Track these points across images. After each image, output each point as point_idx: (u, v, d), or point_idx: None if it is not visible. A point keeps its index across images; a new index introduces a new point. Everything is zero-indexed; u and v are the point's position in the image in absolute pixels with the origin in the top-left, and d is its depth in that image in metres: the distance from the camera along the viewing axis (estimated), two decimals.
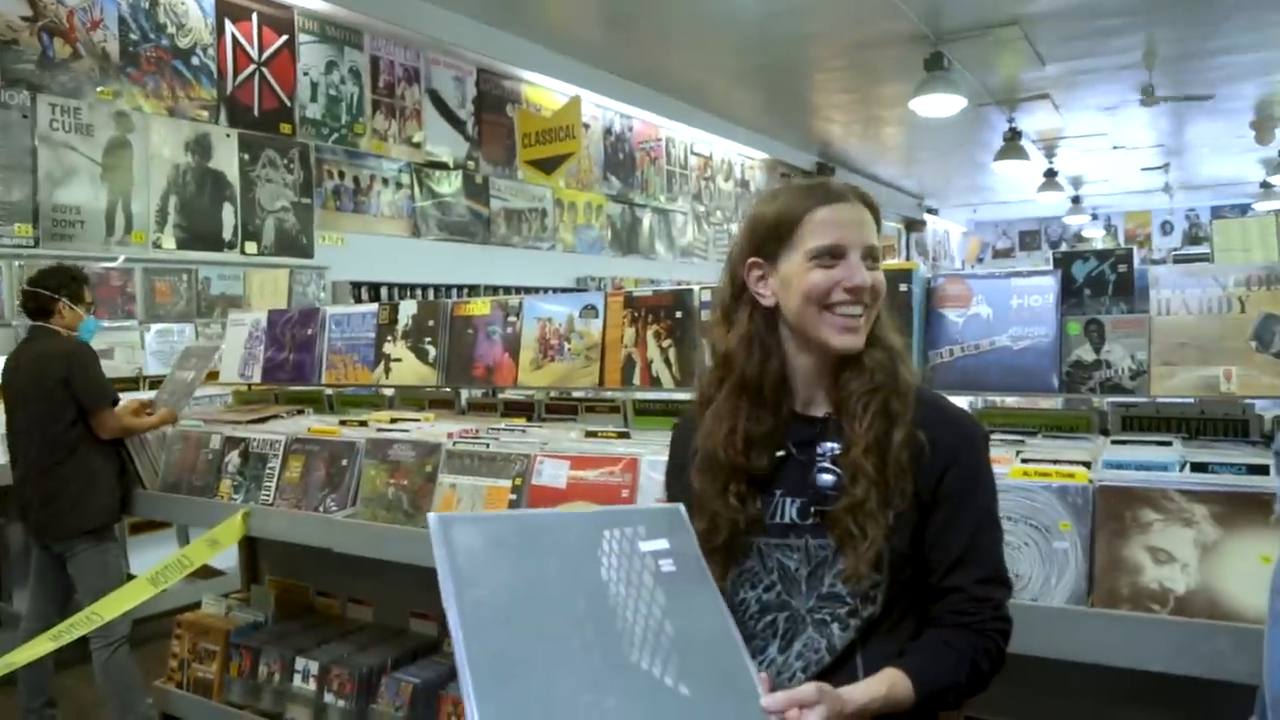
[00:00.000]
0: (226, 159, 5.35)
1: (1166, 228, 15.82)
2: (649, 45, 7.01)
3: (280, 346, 3.19)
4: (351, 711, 2.52)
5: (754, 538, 1.33)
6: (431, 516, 1.11)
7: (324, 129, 5.87)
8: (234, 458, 2.76)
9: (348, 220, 6.01)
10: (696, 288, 2.34)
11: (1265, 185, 12.41)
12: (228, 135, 5.35)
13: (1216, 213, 14.15)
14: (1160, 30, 6.82)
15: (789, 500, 1.32)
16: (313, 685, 2.59)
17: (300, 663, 2.63)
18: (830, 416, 1.33)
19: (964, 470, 1.30)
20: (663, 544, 1.20)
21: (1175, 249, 14.97)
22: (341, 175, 5.97)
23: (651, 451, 2.01)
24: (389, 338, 2.91)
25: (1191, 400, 1.93)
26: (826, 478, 1.30)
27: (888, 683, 1.21)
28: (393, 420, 2.74)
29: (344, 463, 2.50)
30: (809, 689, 1.13)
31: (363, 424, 2.72)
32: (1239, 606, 1.42)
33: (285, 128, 5.65)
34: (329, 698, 2.56)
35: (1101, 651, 1.47)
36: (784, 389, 1.35)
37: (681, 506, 1.27)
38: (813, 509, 1.30)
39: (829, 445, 1.31)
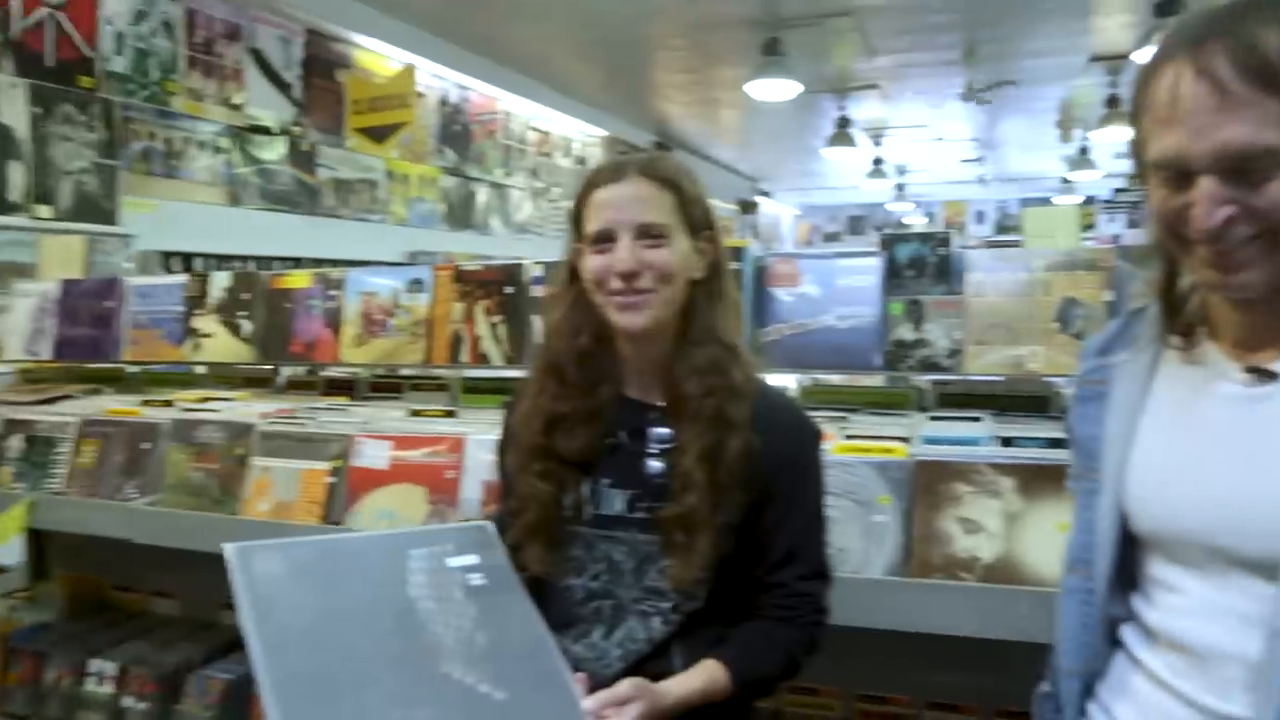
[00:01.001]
0: (13, 111, 4.86)
1: (980, 217, 16.83)
2: (488, 14, 6.84)
3: (74, 320, 2.93)
4: (153, 713, 2.35)
5: (580, 528, 1.31)
6: (228, 547, 1.06)
7: (131, 85, 5.43)
8: (16, 442, 2.51)
9: (159, 185, 5.58)
10: (528, 262, 2.28)
11: (1066, 181, 13.36)
12: (14, 85, 4.86)
13: (1024, 204, 15.14)
14: (980, 31, 7.19)
15: (617, 492, 1.30)
16: (109, 688, 2.39)
17: (95, 664, 2.42)
18: (664, 405, 1.31)
19: (796, 472, 1.30)
20: (472, 559, 1.19)
21: (987, 237, 15.94)
22: (152, 136, 5.54)
23: (479, 431, 1.95)
24: (198, 311, 2.72)
25: (1001, 378, 2.02)
26: (655, 464, 1.28)
27: (706, 677, 1.21)
28: (202, 400, 2.57)
29: (145, 446, 2.32)
30: (626, 687, 1.12)
31: (168, 404, 2.53)
32: (1039, 573, 1.50)
33: (85, 81, 5.18)
34: (128, 700, 2.37)
35: (917, 619, 1.52)
36: (595, 371, 1.32)
37: (490, 523, 1.25)
38: (641, 503, 1.28)
39: (660, 432, 1.29)
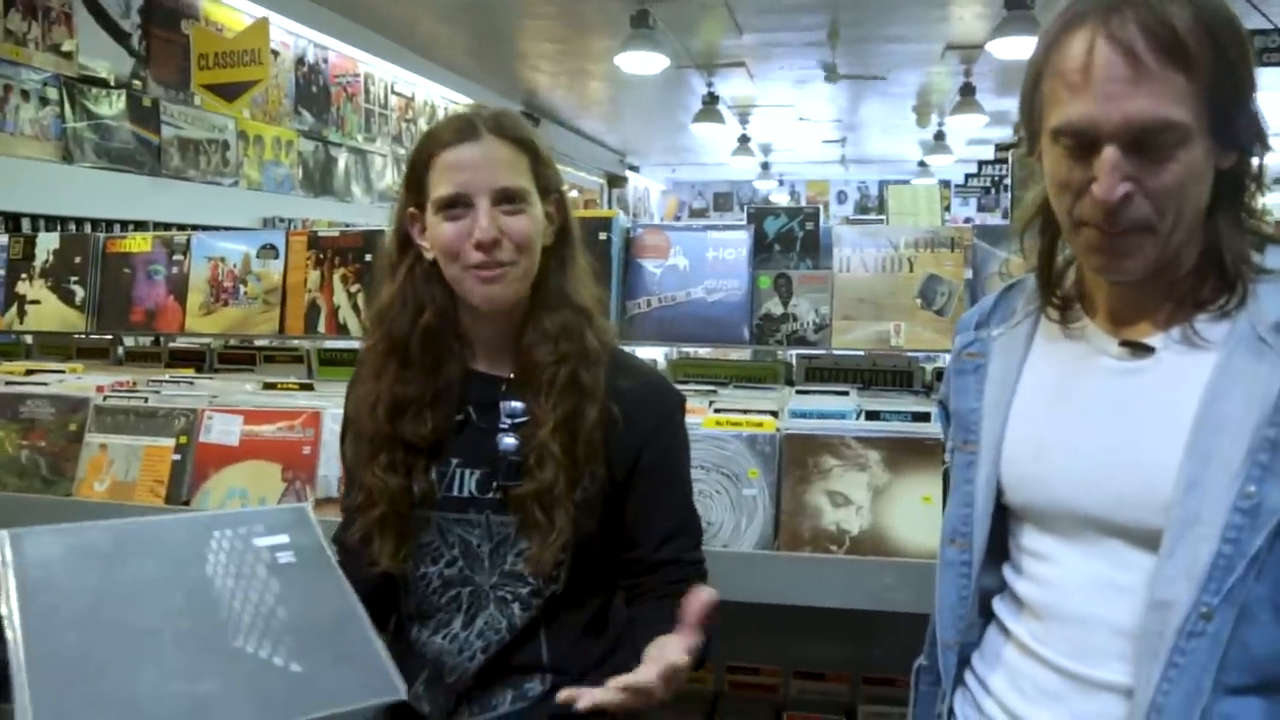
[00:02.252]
0: None
1: (841, 197, 17.34)
2: None
3: None
4: None
5: (430, 512, 1.23)
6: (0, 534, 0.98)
7: None
8: None
9: None
10: (389, 229, 2.18)
11: (922, 164, 13.90)
12: None
13: (884, 186, 15.68)
14: (843, 13, 7.35)
15: (467, 471, 1.22)
16: None
17: None
18: (515, 377, 1.24)
19: (662, 446, 1.26)
20: (282, 539, 1.11)
21: (848, 216, 16.44)
22: None
23: (336, 404, 1.85)
24: (23, 275, 2.51)
25: (862, 353, 2.06)
26: (509, 442, 1.21)
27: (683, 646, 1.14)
28: (28, 372, 2.37)
29: None
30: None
31: None
32: (903, 544, 1.53)
33: None
34: None
35: (786, 592, 1.54)
36: (441, 348, 1.23)
37: (308, 506, 1.17)
38: (494, 483, 1.21)
39: (513, 406, 1.22)
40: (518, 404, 1.22)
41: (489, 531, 1.22)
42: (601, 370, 1.22)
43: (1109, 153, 0.87)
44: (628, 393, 1.24)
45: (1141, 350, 0.96)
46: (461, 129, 1.18)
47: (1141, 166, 0.87)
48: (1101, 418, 0.97)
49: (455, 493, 1.23)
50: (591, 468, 1.21)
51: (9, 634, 0.90)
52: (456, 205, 1.17)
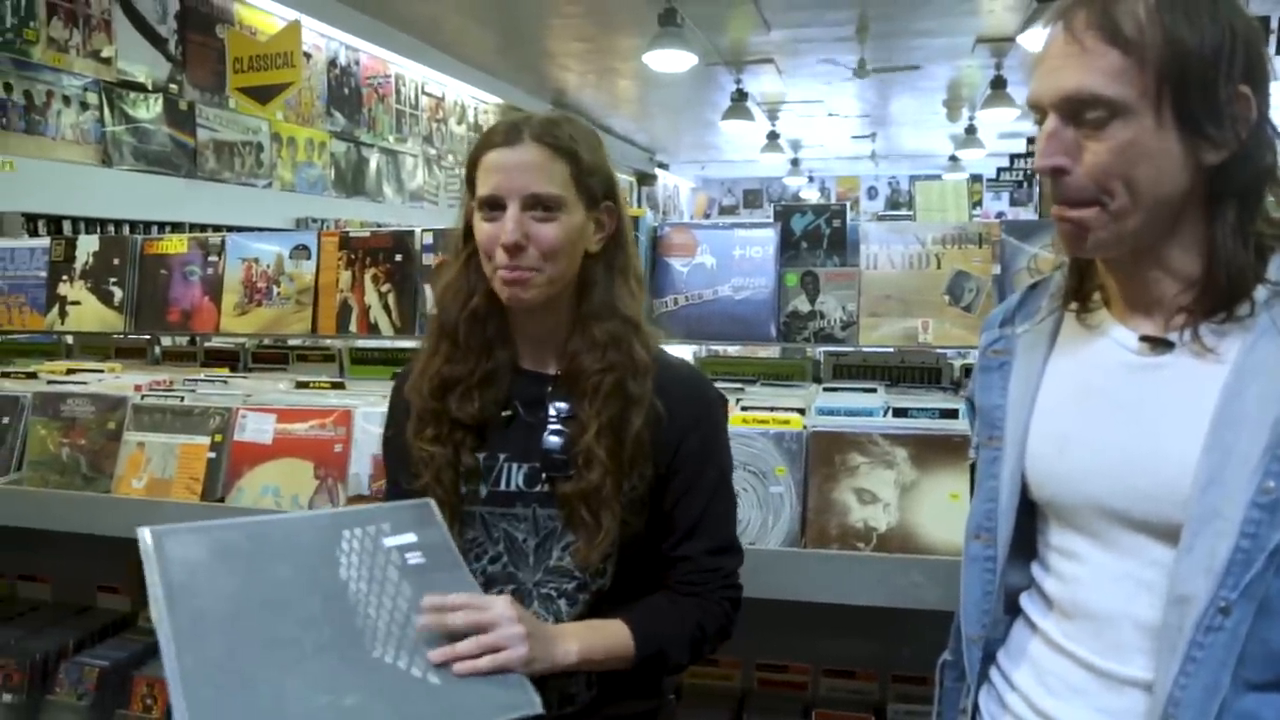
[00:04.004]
0: None
1: (872, 193, 17.22)
2: None
3: None
4: (22, 705, 2.21)
5: (476, 507, 1.25)
6: (143, 531, 0.99)
7: None
8: None
9: (18, 142, 5.21)
10: (418, 230, 2.21)
11: (953, 159, 13.76)
12: None
13: (914, 180, 15.56)
14: (872, 8, 7.30)
15: (515, 466, 1.24)
16: None
17: None
18: (560, 377, 1.26)
19: (700, 440, 1.27)
20: (410, 538, 1.12)
21: (879, 212, 16.32)
22: (9, 89, 5.17)
23: (367, 403, 1.88)
24: (64, 277, 2.56)
25: (890, 350, 2.05)
26: (554, 440, 1.23)
27: (607, 630, 1.18)
28: (69, 371, 2.42)
29: (5, 421, 2.17)
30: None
31: (31, 375, 2.37)
32: (931, 541, 1.53)
33: None
34: None
35: (813, 589, 1.54)
36: (489, 332, 1.26)
37: (431, 501, 1.18)
38: (542, 476, 1.23)
39: (559, 405, 1.24)
40: (564, 404, 1.24)
41: (535, 525, 1.24)
42: (649, 380, 1.24)
43: (1047, 122, 0.93)
44: (672, 388, 1.26)
45: (1161, 345, 0.96)
46: (507, 132, 1.22)
47: (1081, 141, 0.91)
48: (1122, 413, 0.97)
49: (503, 487, 1.25)
50: (640, 468, 1.22)
51: (160, 640, 0.92)
52: (493, 207, 1.20)
